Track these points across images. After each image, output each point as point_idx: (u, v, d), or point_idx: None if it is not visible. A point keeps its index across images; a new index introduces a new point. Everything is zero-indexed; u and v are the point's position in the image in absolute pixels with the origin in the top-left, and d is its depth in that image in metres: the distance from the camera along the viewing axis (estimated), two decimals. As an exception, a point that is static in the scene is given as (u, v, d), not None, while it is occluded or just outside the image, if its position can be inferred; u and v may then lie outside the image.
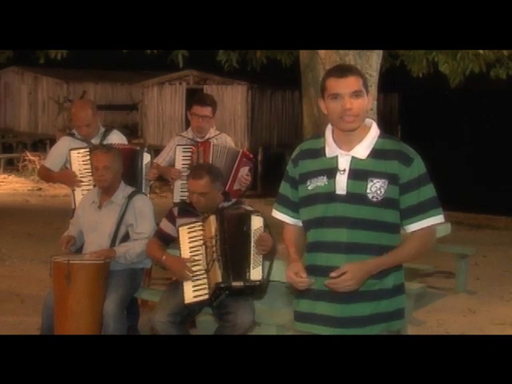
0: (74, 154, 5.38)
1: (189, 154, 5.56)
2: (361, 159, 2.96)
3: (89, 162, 5.23)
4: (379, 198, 2.93)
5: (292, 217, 3.15)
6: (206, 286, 4.40)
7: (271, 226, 4.35)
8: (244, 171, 5.54)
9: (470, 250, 7.39)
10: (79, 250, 5.03)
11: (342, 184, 2.95)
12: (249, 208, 4.68)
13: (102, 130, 5.59)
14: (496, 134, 26.16)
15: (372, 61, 6.41)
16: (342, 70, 2.99)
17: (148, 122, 22.63)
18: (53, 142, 17.63)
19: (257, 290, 4.41)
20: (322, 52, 6.33)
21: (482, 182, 18.93)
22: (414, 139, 6.94)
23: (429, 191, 2.97)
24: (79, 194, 5.34)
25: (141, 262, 4.98)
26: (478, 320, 6.21)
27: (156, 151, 5.92)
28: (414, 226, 2.98)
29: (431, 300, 6.69)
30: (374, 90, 6.38)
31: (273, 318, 4.57)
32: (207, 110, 5.61)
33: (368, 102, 2.99)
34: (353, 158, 2.97)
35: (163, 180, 6.16)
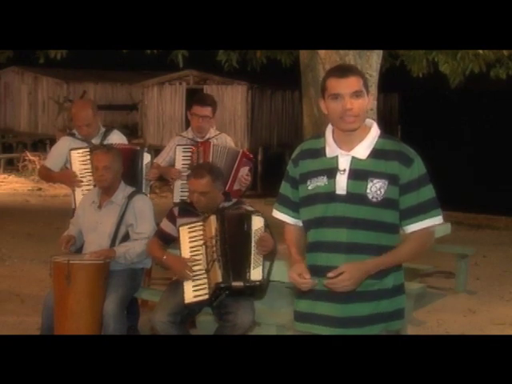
0: (74, 153, 5.38)
1: (189, 153, 5.56)
2: (361, 159, 2.96)
3: (89, 161, 5.23)
4: (379, 199, 2.93)
5: (292, 217, 3.15)
6: (206, 285, 4.40)
7: (272, 226, 4.35)
8: (244, 171, 5.54)
9: (470, 250, 7.39)
10: (79, 250, 5.03)
11: (342, 184, 2.96)
12: (249, 208, 4.68)
13: (103, 130, 5.59)
14: (496, 134, 26.15)
15: (372, 61, 6.41)
16: (343, 70, 2.99)
17: (148, 122, 22.63)
18: (53, 142, 17.63)
19: (257, 291, 4.41)
20: (322, 52, 6.33)
21: (481, 181, 18.93)
22: (414, 139, 6.94)
23: (428, 192, 2.98)
24: (79, 194, 5.34)
25: (141, 261, 4.98)
26: (478, 320, 6.21)
27: (156, 151, 5.91)
28: (413, 227, 2.98)
29: (431, 300, 6.69)
30: (374, 89, 6.38)
31: (273, 318, 4.57)
32: (207, 110, 5.61)
33: (368, 102, 2.99)
34: (353, 158, 2.97)
35: (163, 180, 6.16)
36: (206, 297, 4.41)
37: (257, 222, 4.38)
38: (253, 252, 4.33)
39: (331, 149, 3.01)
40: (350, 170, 2.96)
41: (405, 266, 3.12)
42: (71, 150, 5.40)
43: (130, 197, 4.95)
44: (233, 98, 21.06)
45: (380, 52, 6.52)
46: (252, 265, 4.33)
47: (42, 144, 23.31)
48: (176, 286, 4.53)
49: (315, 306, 3.02)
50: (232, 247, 4.34)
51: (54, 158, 5.62)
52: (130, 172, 5.33)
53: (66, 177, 5.50)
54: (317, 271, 2.96)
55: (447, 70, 8.71)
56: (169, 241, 4.72)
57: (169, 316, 4.40)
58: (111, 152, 4.95)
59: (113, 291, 4.69)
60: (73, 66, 21.76)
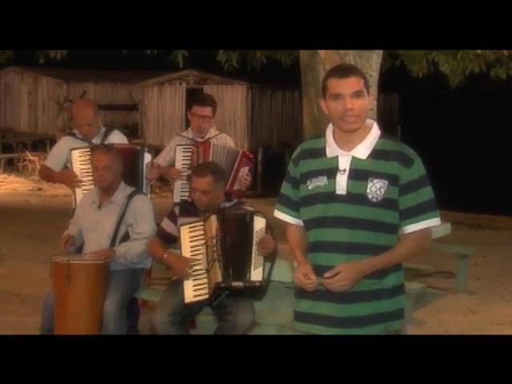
0: (74, 153, 5.38)
1: (189, 154, 5.56)
2: (361, 159, 2.96)
3: (90, 161, 5.23)
4: (379, 199, 2.93)
5: (294, 217, 3.15)
6: (206, 285, 4.40)
7: (273, 226, 4.35)
8: (244, 171, 5.54)
9: (470, 250, 7.39)
10: (79, 250, 5.03)
11: (342, 184, 2.96)
12: (251, 209, 4.68)
13: (103, 129, 5.59)
14: (496, 134, 26.15)
15: (372, 61, 6.41)
16: (344, 71, 2.99)
17: (148, 122, 22.63)
18: (53, 141, 17.64)
19: (257, 291, 4.40)
20: (322, 52, 6.33)
21: (481, 181, 18.93)
22: (414, 139, 6.95)
23: (427, 193, 2.98)
24: (80, 194, 5.33)
25: (141, 261, 4.98)
26: (478, 320, 6.21)
27: (156, 151, 5.91)
28: (411, 227, 2.98)
29: (431, 300, 6.69)
30: (374, 89, 6.38)
31: (273, 318, 4.57)
32: (207, 110, 5.61)
33: (369, 102, 2.99)
34: (353, 158, 2.97)
35: (163, 180, 6.16)
36: (206, 296, 4.41)
37: (259, 223, 4.38)
38: (254, 253, 4.33)
39: (331, 149, 3.01)
40: (350, 170, 2.96)
41: (405, 265, 3.12)
42: (72, 149, 5.40)
43: (130, 197, 4.95)
44: (233, 98, 21.06)
45: (380, 52, 6.53)
46: (252, 265, 4.33)
47: (42, 144, 23.30)
48: (176, 286, 4.53)
49: (315, 306, 3.02)
50: (233, 247, 4.34)
51: (54, 158, 5.62)
52: (131, 172, 5.33)
53: (66, 177, 5.49)
54: (317, 271, 2.97)
55: (447, 69, 8.71)
56: (170, 240, 4.72)
57: (169, 316, 4.40)
58: (111, 152, 4.95)
59: (113, 291, 4.69)
60: (73, 65, 21.76)
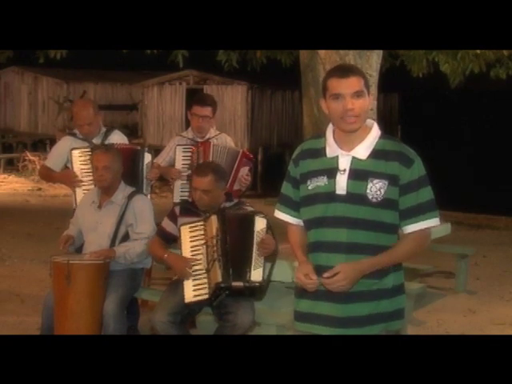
0: (75, 153, 5.37)
1: (189, 154, 5.56)
2: (361, 159, 2.96)
3: (90, 161, 5.23)
4: (379, 199, 2.93)
5: (294, 216, 3.15)
6: (207, 285, 4.40)
7: (273, 226, 4.35)
8: (244, 171, 5.54)
9: (470, 250, 7.39)
10: (79, 250, 5.03)
11: (342, 184, 2.96)
12: (251, 209, 4.68)
13: (104, 129, 5.59)
14: (496, 134, 26.14)
15: (372, 61, 6.41)
16: (344, 70, 2.99)
17: (148, 122, 22.62)
18: (53, 141, 17.64)
19: (256, 292, 4.40)
20: (322, 52, 6.33)
21: (481, 181, 18.92)
22: (414, 139, 6.95)
23: (427, 193, 2.98)
24: (80, 194, 5.33)
25: (141, 261, 4.98)
26: (478, 320, 6.21)
27: (156, 151, 5.91)
28: (410, 228, 2.98)
29: (431, 300, 6.69)
30: (374, 89, 6.38)
31: (273, 318, 4.57)
32: (207, 110, 5.61)
33: (369, 102, 2.99)
34: (353, 158, 2.97)
35: (163, 180, 6.16)
36: (206, 296, 4.41)
37: (260, 223, 4.38)
38: (254, 253, 4.33)
39: (332, 149, 3.01)
40: (350, 170, 2.96)
41: (405, 265, 3.12)
42: (72, 149, 5.40)
43: (130, 197, 4.95)
44: (233, 98, 21.06)
45: (380, 52, 6.53)
46: (253, 266, 4.33)
47: (42, 144, 23.30)
48: (176, 286, 4.53)
49: (315, 306, 3.02)
50: (233, 247, 4.34)
51: (54, 158, 5.62)
52: (131, 172, 5.33)
53: (67, 177, 5.49)
54: (317, 271, 2.97)
55: (448, 69, 8.71)
56: (170, 240, 4.72)
57: (169, 316, 4.40)
58: (111, 152, 4.95)
59: (113, 291, 4.69)
60: (73, 66, 21.76)
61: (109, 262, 4.76)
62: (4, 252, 8.81)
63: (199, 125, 5.62)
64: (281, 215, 3.20)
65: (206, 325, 4.86)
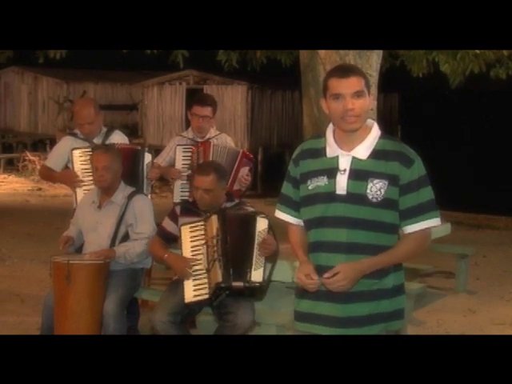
0: (75, 153, 5.37)
1: (189, 154, 5.56)
2: (361, 159, 2.96)
3: (90, 161, 5.22)
4: (379, 199, 2.93)
5: (295, 216, 3.15)
6: (207, 285, 4.40)
7: (273, 225, 4.34)
8: (244, 171, 5.53)
9: (470, 250, 7.39)
10: (79, 250, 5.03)
11: (342, 184, 2.96)
12: (252, 209, 4.68)
13: (104, 129, 5.58)
14: (496, 134, 26.14)
15: (372, 61, 6.41)
16: (344, 70, 2.99)
17: (148, 122, 22.63)
18: (53, 141, 17.66)
19: (257, 292, 4.40)
20: (321, 52, 6.33)
21: (481, 181, 18.92)
22: (414, 139, 6.95)
23: (427, 193, 2.98)
24: (81, 194, 5.33)
25: (141, 261, 4.98)
26: (478, 320, 6.21)
27: (156, 151, 5.91)
28: (411, 228, 2.98)
29: (431, 300, 6.69)
30: (374, 89, 6.38)
31: (273, 318, 4.57)
32: (207, 110, 5.61)
33: (369, 102, 3.00)
34: (353, 158, 2.97)
35: (163, 180, 6.16)
36: (206, 296, 4.40)
37: (261, 224, 4.37)
38: (255, 253, 4.33)
39: (332, 149, 3.01)
40: (351, 170, 2.96)
41: (405, 265, 3.12)
42: (73, 149, 5.39)
43: (130, 197, 4.95)
44: (233, 98, 21.06)
45: (380, 52, 6.52)
46: (253, 266, 4.32)
47: (42, 144, 23.31)
48: (176, 286, 4.53)
49: (316, 306, 3.02)
50: (233, 247, 4.34)
51: (55, 158, 5.61)
52: (132, 172, 5.33)
53: (67, 177, 5.49)
54: (318, 271, 2.97)
55: (448, 69, 8.71)
56: (170, 240, 4.72)
57: (169, 316, 4.40)
58: (110, 152, 4.95)
59: (113, 291, 4.69)
60: (73, 66, 21.77)
61: (109, 262, 4.76)
62: (4, 252, 8.81)
63: (199, 125, 5.62)
64: (281, 215, 3.20)
65: (205, 325, 4.86)
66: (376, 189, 2.93)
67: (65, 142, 5.57)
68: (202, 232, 4.45)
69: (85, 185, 5.34)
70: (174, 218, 4.70)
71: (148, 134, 22.39)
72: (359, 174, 2.95)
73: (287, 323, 4.22)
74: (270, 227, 4.38)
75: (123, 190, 4.99)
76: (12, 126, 25.87)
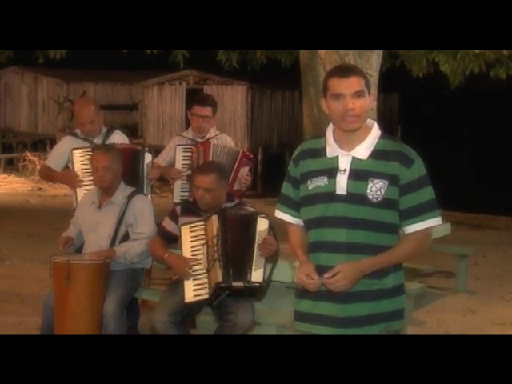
0: (76, 153, 5.37)
1: (189, 154, 5.56)
2: (361, 159, 2.96)
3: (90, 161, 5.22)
4: (379, 199, 2.93)
5: (295, 216, 3.15)
6: (207, 285, 4.40)
7: (274, 226, 4.34)
8: (244, 171, 5.53)
9: (470, 250, 7.39)
10: (79, 250, 5.03)
11: (342, 184, 2.96)
12: (252, 209, 4.68)
13: (104, 129, 5.58)
14: (496, 134, 26.14)
15: (372, 61, 6.41)
16: (345, 70, 3.00)
17: (148, 122, 22.63)
18: (53, 141, 17.66)
19: (257, 292, 4.40)
20: (321, 52, 6.33)
21: (481, 181, 18.93)
22: (414, 139, 6.95)
23: (428, 193, 2.98)
24: (81, 194, 5.32)
25: (141, 261, 4.98)
26: (478, 320, 6.21)
27: (156, 151, 5.91)
28: (412, 228, 2.98)
29: (431, 300, 6.69)
30: (374, 89, 6.38)
31: (273, 318, 4.58)
32: (207, 110, 5.61)
33: (370, 102, 3.00)
34: (353, 158, 2.97)
35: (163, 180, 6.16)
36: (206, 296, 4.40)
37: (262, 224, 4.37)
38: (255, 253, 4.33)
39: (332, 149, 3.01)
40: (351, 170, 2.96)
41: (405, 265, 3.12)
42: (73, 149, 5.39)
43: (130, 197, 4.95)
44: (233, 98, 21.07)
45: (380, 52, 6.52)
46: (254, 266, 4.32)
47: (42, 144, 23.31)
48: (176, 286, 4.53)
49: (316, 306, 3.02)
50: (233, 247, 4.34)
51: (55, 158, 5.61)
52: (132, 172, 5.33)
53: (68, 177, 5.49)
54: (318, 271, 2.97)
55: (448, 69, 8.71)
56: (170, 239, 4.72)
57: (169, 316, 4.40)
58: (110, 152, 4.95)
59: (113, 291, 4.69)
60: (73, 66, 21.78)
61: (109, 262, 4.76)
62: (4, 252, 8.81)
63: (199, 125, 5.62)
64: (281, 215, 3.20)
65: (205, 325, 4.86)
66: (376, 189, 2.93)
67: (65, 142, 5.57)
68: (202, 232, 4.45)
69: (85, 185, 5.34)
70: (174, 217, 4.70)
71: (148, 134, 22.39)
72: (359, 173, 2.95)
73: (287, 323, 4.22)
74: (271, 227, 4.37)
75: (123, 190, 4.99)
76: (12, 126, 25.88)
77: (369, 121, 3.03)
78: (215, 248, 4.34)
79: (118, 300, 4.68)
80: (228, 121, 20.62)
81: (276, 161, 20.17)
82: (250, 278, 4.32)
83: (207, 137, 5.64)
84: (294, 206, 3.13)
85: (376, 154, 2.96)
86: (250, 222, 4.38)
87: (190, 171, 5.47)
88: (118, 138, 5.58)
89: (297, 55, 7.29)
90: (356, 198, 2.94)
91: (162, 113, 22.33)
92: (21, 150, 22.19)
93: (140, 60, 14.12)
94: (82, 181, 5.34)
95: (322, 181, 2.99)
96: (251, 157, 5.69)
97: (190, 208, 4.68)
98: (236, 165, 5.47)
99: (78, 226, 5.07)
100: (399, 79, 14.50)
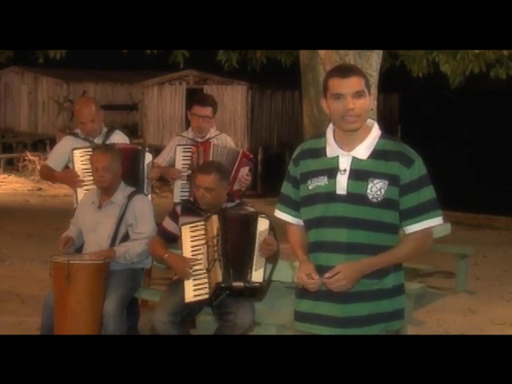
0: (76, 153, 5.37)
1: (189, 154, 5.56)
2: (361, 159, 2.96)
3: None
4: (379, 199, 2.93)
5: (294, 216, 3.15)
6: (207, 285, 4.40)
7: (274, 226, 4.34)
8: (244, 171, 5.53)
9: (470, 250, 7.39)
10: (79, 250, 5.03)
11: (342, 184, 2.96)
12: (252, 209, 4.68)
13: (105, 129, 5.58)
14: (496, 134, 26.15)
15: (372, 61, 6.41)
16: (345, 70, 3.00)
17: (148, 122, 22.63)
18: (53, 141, 17.66)
19: (257, 292, 4.40)
20: (321, 52, 6.33)
21: (481, 181, 18.93)
22: (414, 139, 6.94)
23: (429, 193, 2.98)
24: (82, 194, 5.32)
25: (141, 261, 4.98)
26: (478, 320, 6.21)
27: (156, 151, 5.91)
28: (413, 227, 2.98)
29: (431, 300, 6.69)
30: (374, 89, 6.37)
31: (273, 318, 4.58)
32: (207, 110, 5.61)
33: (370, 102, 3.00)
34: (353, 158, 2.97)
35: (163, 180, 6.16)
36: (207, 296, 4.40)
37: (262, 224, 4.37)
38: (256, 254, 4.33)
39: (332, 149, 3.01)
40: (351, 170, 2.96)
41: (405, 265, 3.12)
42: (74, 149, 5.39)
43: (130, 197, 4.95)
44: (233, 98, 21.07)
45: (380, 52, 6.52)
46: (254, 266, 4.32)
47: (42, 144, 23.32)
48: (176, 286, 4.53)
49: (316, 306, 3.02)
50: (234, 247, 4.34)
51: (55, 158, 5.60)
52: (132, 172, 5.33)
53: (68, 177, 5.48)
54: (318, 271, 2.97)
55: (448, 70, 8.71)
56: (171, 239, 4.71)
57: (169, 316, 4.40)
58: (110, 152, 4.95)
59: (113, 291, 4.69)
60: (73, 66, 21.79)
61: (109, 262, 4.76)
62: (4, 252, 8.81)
63: (199, 125, 5.62)
64: (281, 215, 3.20)
65: (206, 325, 4.86)
66: (376, 189, 2.93)
67: (65, 142, 5.56)
68: (203, 232, 4.45)
69: (85, 185, 5.34)
70: (174, 217, 4.70)
71: (148, 134, 22.39)
72: (359, 174, 2.95)
73: (287, 323, 4.22)
74: (271, 228, 4.37)
75: (123, 190, 4.99)
76: (12, 126, 25.88)
77: (369, 121, 3.03)
78: (215, 248, 4.34)
79: (117, 300, 4.68)
80: (228, 121, 20.62)
81: (276, 161, 20.17)
82: (251, 278, 4.31)
83: (207, 137, 5.64)
84: (294, 206, 3.13)
85: (376, 154, 2.96)
86: (250, 222, 4.38)
87: (189, 171, 5.47)
88: (119, 138, 5.58)
89: (297, 55, 7.29)
90: (356, 198, 2.94)
91: (161, 113, 22.33)
92: (21, 150, 22.19)
93: (140, 60, 14.12)
94: (83, 181, 5.33)
95: (322, 181, 3.00)
96: (251, 157, 5.69)
97: (191, 208, 4.68)
98: (236, 165, 5.47)
99: (78, 226, 5.07)
100: (399, 79, 14.50)
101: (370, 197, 2.93)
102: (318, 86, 6.22)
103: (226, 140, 5.76)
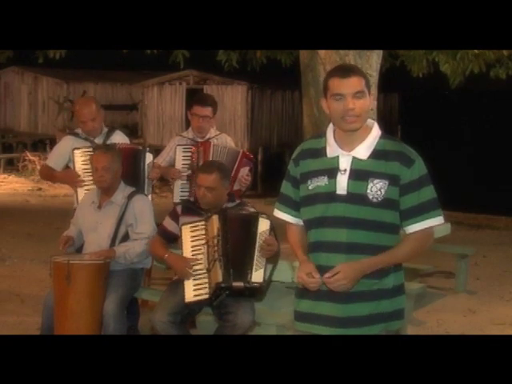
0: (77, 153, 5.37)
1: (189, 154, 5.56)
2: (362, 159, 2.96)
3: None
4: (379, 199, 2.93)
5: (294, 216, 3.15)
6: (207, 285, 4.40)
7: (275, 227, 4.34)
8: (244, 171, 5.53)
9: (470, 250, 7.39)
10: (79, 250, 5.03)
11: (342, 184, 2.96)
12: (253, 210, 4.68)
13: (105, 129, 5.58)
14: (496, 134, 26.16)
15: (372, 61, 6.41)
16: (345, 71, 3.00)
17: (148, 122, 22.62)
18: (53, 141, 17.66)
19: (257, 292, 4.40)
20: (321, 52, 6.33)
21: (481, 181, 18.94)
22: (414, 139, 6.95)
23: (429, 192, 2.98)
24: (82, 194, 5.32)
25: (141, 261, 4.98)
26: (478, 320, 6.21)
27: (156, 151, 5.91)
28: (413, 227, 2.98)
29: (431, 300, 6.69)
30: (374, 90, 6.38)
31: (273, 318, 4.58)
32: (207, 110, 5.61)
33: (370, 102, 3.00)
34: (354, 158, 2.97)
35: (163, 180, 6.16)
36: (207, 296, 4.40)
37: (263, 225, 4.36)
38: (256, 254, 4.33)
39: (332, 149, 3.01)
40: (351, 170, 2.96)
41: (405, 265, 3.12)
42: (74, 149, 5.39)
43: (130, 197, 4.95)
44: (233, 98, 21.06)
45: (380, 52, 6.52)
46: (254, 266, 4.32)
47: (42, 144, 23.30)
48: (176, 286, 4.53)
49: (316, 306, 3.02)
50: (234, 248, 4.33)
51: (56, 158, 5.60)
52: (133, 172, 5.33)
53: (69, 177, 5.48)
54: (318, 271, 2.97)
55: (448, 70, 8.71)
56: (171, 239, 4.71)
57: (169, 316, 4.40)
58: (110, 152, 4.95)
59: (113, 291, 4.69)
60: (73, 66, 21.79)
61: (109, 262, 4.76)
62: (4, 252, 8.81)
63: (199, 125, 5.62)
64: (280, 215, 3.20)
65: (205, 325, 4.86)
66: (376, 189, 2.93)
67: (66, 142, 5.56)
68: (203, 232, 4.44)
69: (86, 185, 5.34)
70: (175, 217, 4.70)
71: (148, 134, 22.39)
72: (359, 174, 2.95)
73: (287, 323, 4.22)
74: (272, 228, 4.37)
75: (123, 190, 4.99)
76: (12, 126, 25.87)
77: (369, 121, 3.03)
78: (216, 248, 4.34)
79: (117, 300, 4.68)
80: (228, 121, 20.61)
81: (276, 161, 20.16)
82: (251, 278, 4.31)
83: (207, 137, 5.64)
84: (294, 206, 3.13)
85: (376, 154, 2.96)
86: (251, 223, 4.38)
87: (190, 171, 5.47)
88: (119, 138, 5.58)
89: (297, 55, 7.29)
90: (356, 198, 2.94)
91: (161, 113, 22.32)
92: (21, 150, 22.19)
93: (140, 60, 14.12)
94: (83, 181, 5.33)
95: (323, 181, 3.00)
96: (251, 157, 5.69)
97: (191, 208, 4.68)
98: (236, 165, 5.47)
99: (78, 226, 5.07)
100: (399, 79, 14.50)
101: (370, 197, 2.93)
102: (318, 86, 6.22)
103: (226, 140, 5.76)
